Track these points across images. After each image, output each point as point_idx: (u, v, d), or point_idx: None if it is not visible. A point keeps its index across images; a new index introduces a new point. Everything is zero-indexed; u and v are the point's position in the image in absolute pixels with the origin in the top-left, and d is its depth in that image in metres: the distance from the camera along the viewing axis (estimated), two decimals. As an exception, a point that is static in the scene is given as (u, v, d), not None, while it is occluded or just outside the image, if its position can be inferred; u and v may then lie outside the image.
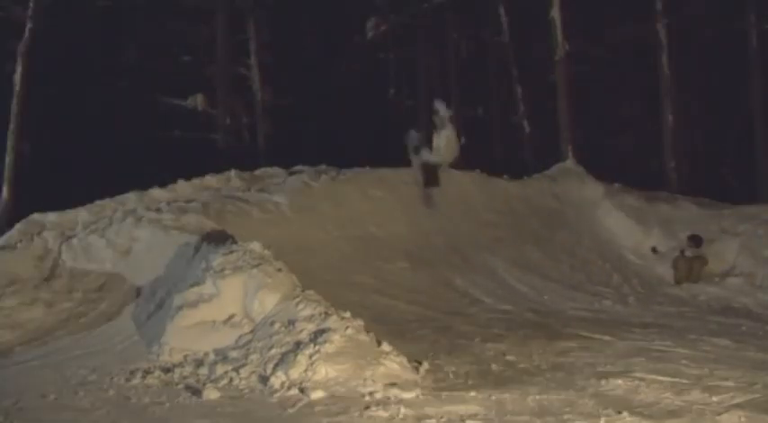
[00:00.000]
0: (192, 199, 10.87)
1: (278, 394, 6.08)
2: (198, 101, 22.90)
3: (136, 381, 6.65)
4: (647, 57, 19.22)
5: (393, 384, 6.18)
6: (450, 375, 6.72)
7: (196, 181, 12.04)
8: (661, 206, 14.02)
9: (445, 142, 12.90)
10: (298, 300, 7.20)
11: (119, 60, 22.59)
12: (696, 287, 11.91)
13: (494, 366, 7.03)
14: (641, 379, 6.50)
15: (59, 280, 9.45)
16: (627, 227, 13.40)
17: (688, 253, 12.32)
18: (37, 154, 19.53)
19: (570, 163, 15.47)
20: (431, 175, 12.67)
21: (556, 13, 17.37)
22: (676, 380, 6.50)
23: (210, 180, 12.17)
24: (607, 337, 8.35)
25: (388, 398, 5.94)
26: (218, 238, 8.92)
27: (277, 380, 6.26)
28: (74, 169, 19.62)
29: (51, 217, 10.66)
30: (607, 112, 23.14)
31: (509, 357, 7.29)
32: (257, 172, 12.95)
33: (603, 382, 6.42)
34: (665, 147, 18.32)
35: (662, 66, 18.11)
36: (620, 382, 6.41)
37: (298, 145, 21.87)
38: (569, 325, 9.14)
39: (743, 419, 5.46)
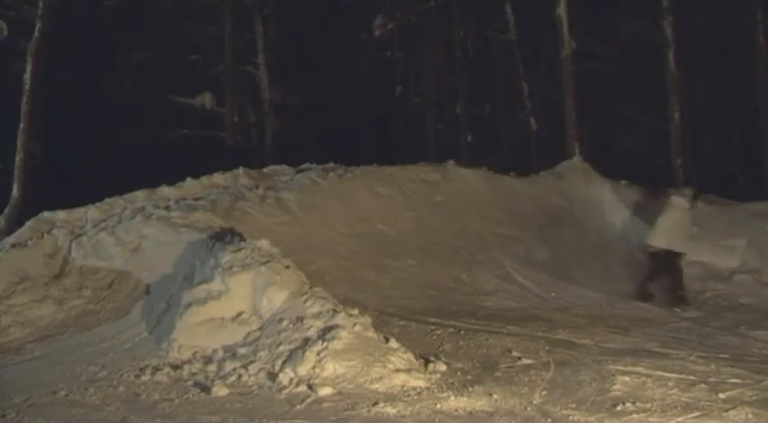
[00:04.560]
0: (200, 197, 10.91)
1: (286, 391, 6.12)
2: (206, 99, 23.00)
3: (145, 377, 6.69)
4: (654, 54, 19.20)
5: (401, 381, 6.22)
6: (458, 372, 6.75)
7: (204, 179, 12.07)
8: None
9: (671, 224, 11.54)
10: (306, 297, 7.23)
11: (127, 59, 22.68)
12: (703, 284, 11.90)
13: (500, 362, 7.06)
14: (648, 375, 6.51)
15: (69, 277, 9.48)
16: (634, 224, 13.40)
17: None
18: (46, 152, 19.62)
19: (577, 160, 15.47)
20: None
21: (562, 11, 17.37)
22: (683, 376, 6.51)
23: (219, 178, 12.21)
24: (613, 334, 8.37)
25: (396, 394, 5.98)
26: (226, 236, 8.96)
27: (285, 376, 6.30)
28: (83, 168, 19.72)
29: (61, 215, 10.70)
30: (613, 110, 23.13)
31: (515, 353, 7.31)
32: (265, 170, 13.00)
33: (610, 378, 6.44)
34: (672, 144, 18.29)
35: (668, 62, 18.08)
36: (626, 378, 6.42)
37: (305, 143, 21.94)
38: (576, 321, 9.16)
39: (750, 416, 5.48)
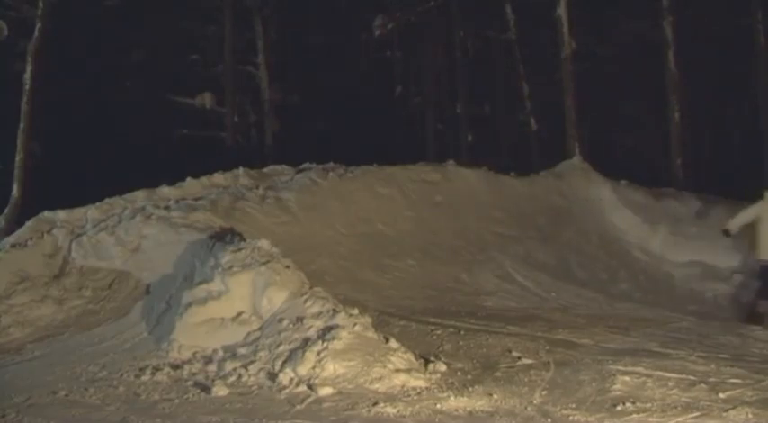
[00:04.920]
0: (200, 197, 10.92)
1: (286, 391, 6.11)
2: (206, 99, 23.04)
3: (145, 377, 6.69)
4: (654, 54, 19.23)
5: (401, 381, 6.22)
6: (458, 372, 6.75)
7: (204, 179, 12.08)
8: (668, 203, 14.03)
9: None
10: (306, 297, 7.22)
11: (127, 59, 22.70)
12: (703, 284, 11.91)
13: (500, 362, 7.06)
14: (648, 375, 6.50)
15: (69, 277, 9.49)
16: (634, 224, 13.40)
17: None
18: (46, 152, 19.63)
19: (577, 160, 15.49)
20: None
21: (562, 11, 17.40)
22: (683, 376, 6.50)
23: (219, 178, 12.22)
24: (613, 334, 8.36)
25: (396, 394, 5.98)
26: (226, 236, 8.96)
27: (285, 376, 6.30)
28: (83, 168, 19.72)
29: (61, 215, 10.71)
30: (613, 110, 23.15)
31: (515, 353, 7.30)
32: (265, 170, 13.02)
33: (610, 378, 6.44)
34: (672, 143, 18.32)
35: (668, 62, 18.10)
36: (626, 378, 6.42)
37: (305, 143, 21.94)
38: (576, 321, 9.15)
39: (750, 416, 5.47)
